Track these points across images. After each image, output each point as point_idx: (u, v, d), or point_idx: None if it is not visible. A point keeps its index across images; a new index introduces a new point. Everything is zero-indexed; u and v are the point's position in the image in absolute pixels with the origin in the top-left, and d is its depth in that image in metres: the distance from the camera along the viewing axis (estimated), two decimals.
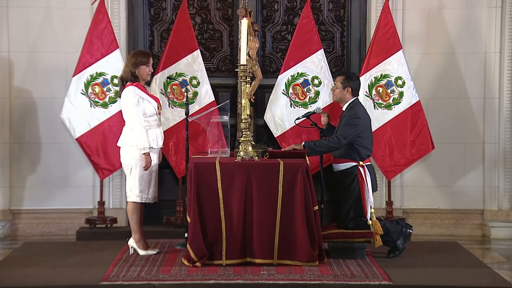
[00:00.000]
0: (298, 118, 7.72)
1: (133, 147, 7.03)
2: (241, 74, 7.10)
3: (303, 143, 7.18)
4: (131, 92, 7.01)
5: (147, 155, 6.99)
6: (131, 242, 7.21)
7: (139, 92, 7.04)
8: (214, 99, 8.33)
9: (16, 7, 8.51)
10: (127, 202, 7.25)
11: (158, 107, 7.17)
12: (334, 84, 7.40)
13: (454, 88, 8.67)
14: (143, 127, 7.01)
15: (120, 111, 8.13)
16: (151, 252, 7.18)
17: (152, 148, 7.08)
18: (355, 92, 7.31)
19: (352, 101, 7.28)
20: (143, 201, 7.16)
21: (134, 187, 7.08)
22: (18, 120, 8.57)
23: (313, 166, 7.78)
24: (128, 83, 7.07)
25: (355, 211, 7.15)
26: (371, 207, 7.09)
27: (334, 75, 8.47)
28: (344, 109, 7.31)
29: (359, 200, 7.12)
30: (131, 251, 7.21)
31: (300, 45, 8.35)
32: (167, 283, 6.26)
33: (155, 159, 7.14)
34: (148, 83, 7.82)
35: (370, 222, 7.02)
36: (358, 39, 8.87)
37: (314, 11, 8.69)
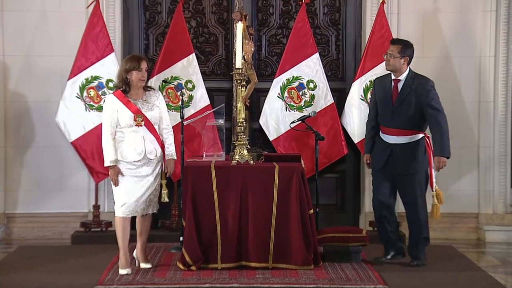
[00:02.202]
0: (293, 122, 7.72)
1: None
2: (236, 78, 7.11)
3: (441, 156, 6.85)
4: (106, 102, 6.71)
5: (111, 168, 6.65)
6: (134, 254, 6.94)
7: (115, 102, 6.65)
8: (209, 102, 8.33)
9: (11, 10, 8.49)
10: None
11: (134, 118, 6.62)
12: (389, 53, 6.97)
13: (449, 92, 8.67)
14: (109, 140, 6.63)
15: None
16: (123, 271, 6.65)
17: (123, 161, 6.66)
18: (410, 62, 7.03)
19: (410, 71, 7.00)
20: (124, 215, 6.70)
21: (115, 201, 6.75)
22: (13, 124, 8.55)
23: (308, 170, 7.79)
24: (115, 90, 6.76)
25: (425, 184, 6.97)
26: (436, 176, 6.99)
27: (330, 79, 8.51)
28: (401, 78, 6.96)
29: (427, 172, 6.93)
30: (136, 263, 6.90)
31: (296, 49, 8.35)
32: (162, 286, 6.26)
33: (143, 171, 6.68)
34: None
35: (434, 192, 6.97)
36: (353, 43, 8.87)
37: (310, 14, 8.70)
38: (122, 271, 6.66)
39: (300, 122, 7.68)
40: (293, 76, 8.36)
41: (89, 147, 8.18)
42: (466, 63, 8.66)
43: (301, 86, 8.37)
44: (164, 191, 7.17)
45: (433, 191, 6.97)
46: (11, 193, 8.57)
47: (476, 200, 8.73)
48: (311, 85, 8.38)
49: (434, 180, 6.93)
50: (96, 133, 8.15)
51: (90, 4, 8.24)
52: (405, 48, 7.00)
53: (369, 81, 8.28)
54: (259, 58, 8.86)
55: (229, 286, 6.28)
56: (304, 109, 8.33)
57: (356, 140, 8.38)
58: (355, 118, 8.36)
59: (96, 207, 8.37)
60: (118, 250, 6.77)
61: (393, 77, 7.04)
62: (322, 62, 8.46)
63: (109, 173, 6.69)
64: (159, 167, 6.81)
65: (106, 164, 6.66)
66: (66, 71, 8.26)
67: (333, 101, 8.41)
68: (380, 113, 7.10)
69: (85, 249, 7.77)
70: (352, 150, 8.59)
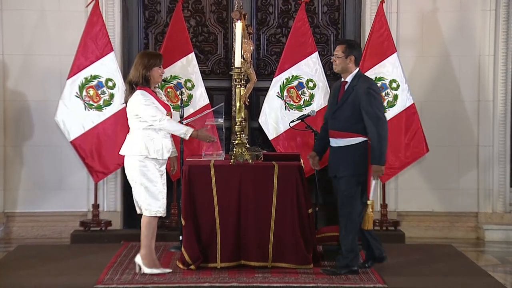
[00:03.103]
0: (292, 121, 7.72)
1: (136, 157, 6.45)
2: (235, 77, 7.09)
3: (376, 165, 6.46)
4: (140, 96, 6.42)
5: (195, 133, 6.49)
6: (138, 259, 6.59)
7: (149, 96, 6.50)
8: (208, 101, 8.33)
9: (10, 9, 8.49)
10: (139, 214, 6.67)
11: (167, 114, 6.55)
12: (334, 54, 6.68)
13: (448, 91, 8.68)
14: (167, 120, 6.44)
15: (115, 114, 8.17)
16: (156, 271, 6.55)
17: (157, 159, 6.49)
18: (358, 61, 6.68)
19: (358, 72, 6.66)
20: (157, 215, 6.54)
21: (146, 200, 6.48)
22: (12, 123, 8.55)
23: (307, 169, 7.79)
24: (137, 87, 6.48)
25: (362, 191, 6.57)
26: (374, 185, 6.63)
27: (329, 78, 8.50)
28: (348, 80, 6.64)
29: (366, 179, 6.54)
30: (137, 269, 6.59)
31: (295, 48, 8.35)
32: (161, 286, 6.25)
33: (162, 170, 6.59)
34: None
35: (369, 201, 6.56)
36: None
37: (309, 14, 8.70)
38: (155, 270, 6.55)
39: (299, 121, 7.68)
40: (293, 75, 8.36)
41: (88, 146, 8.17)
42: (465, 62, 8.66)
43: (300, 85, 8.37)
44: None
45: (368, 199, 6.53)
46: (11, 192, 8.57)
47: (475, 199, 8.73)
48: (311, 84, 8.38)
49: (371, 189, 6.53)
50: (95, 132, 8.16)
51: (90, 3, 8.24)
52: (350, 47, 6.65)
53: None
54: (259, 57, 8.86)
55: (228, 285, 6.28)
56: (303, 108, 8.33)
57: None
58: None
59: (96, 206, 8.37)
60: (139, 249, 6.63)
61: (342, 79, 6.73)
62: (321, 61, 8.46)
63: (203, 139, 6.64)
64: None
65: (187, 136, 6.48)
66: (65, 70, 8.26)
67: None
68: (328, 116, 6.82)
69: (85, 248, 7.77)
70: None
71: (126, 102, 6.56)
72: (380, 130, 6.48)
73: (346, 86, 6.65)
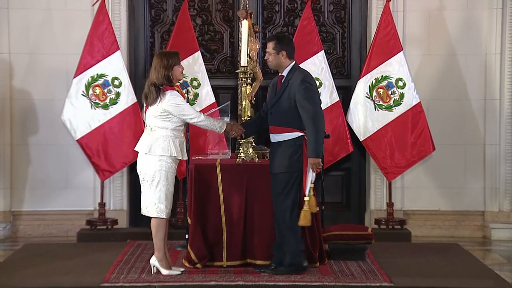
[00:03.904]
0: None
1: (158, 157, 6.36)
2: (241, 76, 7.10)
3: (312, 158, 6.35)
4: (174, 96, 6.37)
5: (228, 126, 6.53)
6: (153, 261, 6.52)
7: (180, 95, 6.48)
8: (214, 100, 8.33)
9: (17, 8, 8.51)
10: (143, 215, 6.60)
11: None
12: (267, 51, 6.57)
13: (455, 90, 8.66)
14: (204, 116, 6.45)
15: (121, 112, 8.18)
16: (174, 272, 6.50)
17: (177, 158, 6.44)
18: (291, 55, 6.55)
19: (294, 65, 6.55)
20: (163, 217, 6.45)
21: (160, 201, 6.39)
22: (19, 122, 8.57)
23: None
24: (165, 87, 6.40)
25: (299, 186, 6.47)
26: (311, 181, 6.46)
27: (335, 77, 8.50)
28: (284, 74, 6.53)
29: (302, 174, 6.44)
30: (154, 270, 6.53)
31: (301, 47, 8.32)
32: (168, 284, 6.26)
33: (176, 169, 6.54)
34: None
35: (307, 198, 6.42)
36: (358, 41, 8.87)
37: (315, 12, 8.69)
38: (174, 271, 6.50)
39: None
40: None
41: (94, 145, 8.19)
42: (471, 60, 8.64)
43: None
44: None
45: (305, 195, 6.40)
46: (17, 191, 8.59)
47: (481, 198, 8.72)
48: (317, 83, 8.35)
49: (308, 185, 6.39)
50: (101, 131, 8.17)
51: (96, 2, 8.24)
52: (279, 42, 6.54)
53: (375, 79, 8.29)
54: (265, 56, 8.83)
55: (234, 284, 6.28)
56: None
57: (361, 138, 8.38)
58: (361, 116, 8.36)
59: (102, 205, 8.38)
60: (153, 251, 6.57)
61: (280, 73, 6.64)
62: (327, 60, 8.45)
63: (233, 132, 6.59)
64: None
65: (223, 129, 6.50)
66: (71, 69, 8.27)
67: (338, 99, 8.41)
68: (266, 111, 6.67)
69: (91, 246, 7.78)
70: (358, 148, 8.58)
71: (152, 104, 6.41)
72: (316, 122, 6.35)
73: (282, 80, 6.57)
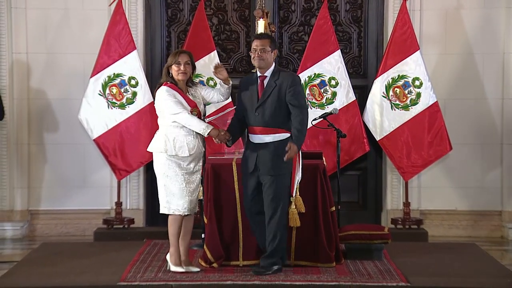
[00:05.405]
0: (315, 119, 7.70)
1: (157, 153, 6.46)
2: None
3: (293, 144, 6.37)
4: (163, 91, 6.45)
5: (211, 132, 6.41)
6: (168, 257, 6.62)
7: (172, 92, 6.45)
8: (231, 100, 8.33)
9: (34, 8, 8.55)
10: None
11: (191, 111, 6.48)
12: (261, 49, 6.46)
13: (472, 89, 8.62)
14: (186, 114, 6.40)
15: (138, 112, 8.22)
16: (179, 269, 6.53)
17: (182, 156, 6.45)
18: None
19: (276, 67, 6.56)
20: (175, 213, 6.49)
21: (167, 197, 6.47)
22: (36, 121, 8.61)
23: (329, 167, 7.78)
24: (164, 83, 6.55)
25: (289, 188, 6.52)
26: (297, 182, 6.55)
27: (351, 76, 8.48)
28: (267, 75, 6.51)
29: (290, 175, 6.49)
30: (167, 266, 6.63)
31: (317, 46, 8.34)
32: (184, 283, 6.27)
33: (190, 167, 6.53)
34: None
35: (294, 198, 6.51)
36: (375, 40, 8.84)
37: (331, 12, 8.68)
38: (179, 269, 6.54)
39: (322, 119, 7.66)
40: (315, 74, 8.34)
41: (111, 144, 8.22)
42: (489, 59, 8.60)
43: (322, 84, 8.36)
44: (200, 188, 7.04)
45: (292, 196, 6.49)
46: (34, 190, 8.64)
47: (499, 198, 8.67)
48: (333, 82, 8.36)
49: (295, 185, 6.48)
50: (118, 130, 8.20)
51: (113, 2, 8.27)
52: (273, 42, 6.57)
53: (391, 78, 8.27)
54: (281, 55, 8.85)
55: (250, 283, 6.28)
56: (326, 106, 8.32)
57: (378, 137, 8.36)
58: (377, 116, 8.34)
59: (119, 204, 8.40)
60: (168, 247, 6.65)
61: (259, 74, 6.56)
62: (344, 59, 8.43)
63: (216, 138, 6.49)
64: (201, 162, 6.68)
65: (206, 132, 6.41)
66: (88, 68, 8.31)
67: (355, 98, 8.39)
68: (247, 113, 6.58)
69: (108, 245, 7.80)
70: (374, 147, 8.57)
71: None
72: (305, 117, 6.44)
73: (265, 81, 6.53)
